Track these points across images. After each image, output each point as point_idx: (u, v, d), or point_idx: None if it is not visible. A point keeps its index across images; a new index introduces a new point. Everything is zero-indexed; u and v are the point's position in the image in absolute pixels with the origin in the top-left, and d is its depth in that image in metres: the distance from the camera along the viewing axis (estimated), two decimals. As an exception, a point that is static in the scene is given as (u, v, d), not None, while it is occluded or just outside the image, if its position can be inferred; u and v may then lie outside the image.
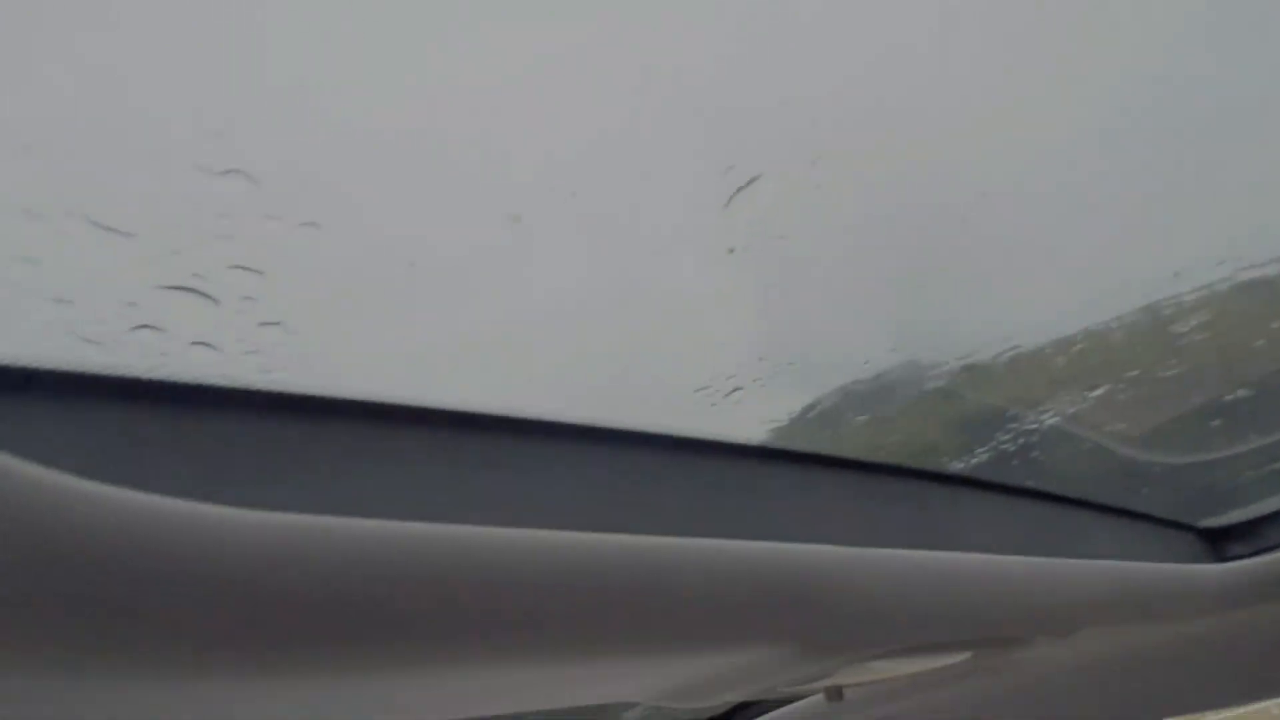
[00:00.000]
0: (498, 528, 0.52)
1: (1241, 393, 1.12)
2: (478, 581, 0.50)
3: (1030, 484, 1.09)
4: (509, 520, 0.58)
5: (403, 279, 0.53)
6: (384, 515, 0.52)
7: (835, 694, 0.94)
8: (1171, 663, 1.41)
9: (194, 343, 0.52)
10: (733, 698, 0.84)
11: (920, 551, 0.81)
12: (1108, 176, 0.77)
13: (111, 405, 0.49)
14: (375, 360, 0.60)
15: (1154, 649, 1.34)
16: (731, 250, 0.58)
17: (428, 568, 0.48)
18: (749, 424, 0.78)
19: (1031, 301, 0.89)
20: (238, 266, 0.47)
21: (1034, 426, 1.00)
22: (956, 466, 1.03)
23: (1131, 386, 1.06)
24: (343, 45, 0.42)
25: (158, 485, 0.46)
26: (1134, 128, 0.73)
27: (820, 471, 0.85)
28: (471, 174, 0.50)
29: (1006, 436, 0.99)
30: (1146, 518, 1.24)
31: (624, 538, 0.57)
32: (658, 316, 0.64)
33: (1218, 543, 1.27)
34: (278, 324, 0.52)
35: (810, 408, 0.82)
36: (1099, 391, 1.03)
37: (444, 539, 0.49)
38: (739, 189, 0.53)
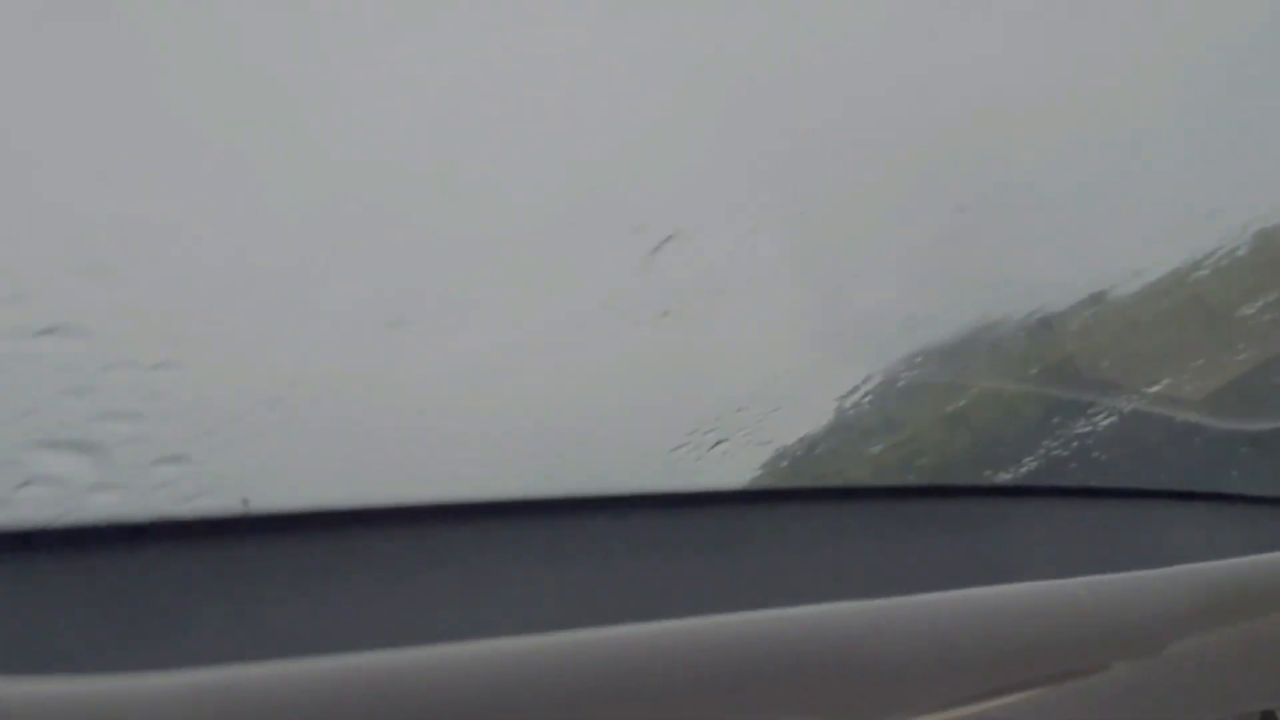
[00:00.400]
0: (495, 639, 0.47)
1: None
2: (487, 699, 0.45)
3: (1095, 483, 0.97)
4: (497, 618, 0.53)
5: (293, 396, 0.48)
6: (358, 625, 0.48)
7: (885, 743, 0.86)
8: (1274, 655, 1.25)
9: (93, 487, 0.49)
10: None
11: (968, 591, 0.72)
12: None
13: (20, 559, 0.46)
14: (308, 472, 0.56)
15: (1254, 641, 1.20)
16: (666, 313, 0.51)
17: (432, 692, 0.44)
18: (741, 473, 0.71)
19: (1090, 273, 0.79)
20: (104, 415, 0.43)
21: (1088, 429, 0.89)
22: (1004, 477, 0.92)
23: (1207, 358, 0.93)
24: (152, 185, 0.38)
25: (75, 635, 0.44)
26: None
27: (841, 506, 0.77)
28: (344, 287, 0.45)
29: (1056, 444, 0.88)
30: (1237, 498, 1.10)
31: (630, 628, 0.52)
32: (604, 388, 0.57)
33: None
34: (178, 458, 0.49)
35: (814, 445, 0.74)
36: (1168, 375, 0.91)
37: (447, 659, 0.45)
38: (654, 250, 0.46)
